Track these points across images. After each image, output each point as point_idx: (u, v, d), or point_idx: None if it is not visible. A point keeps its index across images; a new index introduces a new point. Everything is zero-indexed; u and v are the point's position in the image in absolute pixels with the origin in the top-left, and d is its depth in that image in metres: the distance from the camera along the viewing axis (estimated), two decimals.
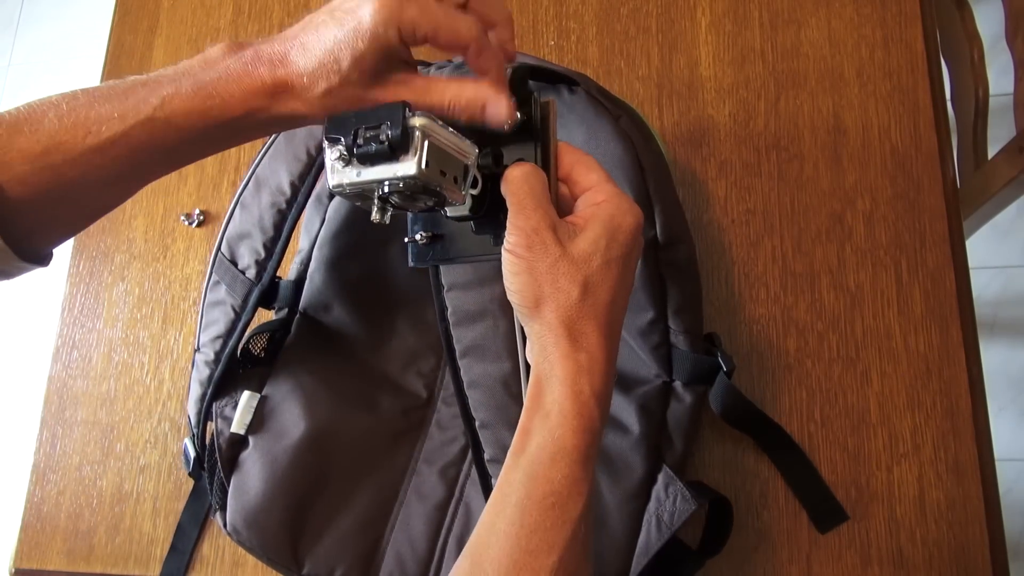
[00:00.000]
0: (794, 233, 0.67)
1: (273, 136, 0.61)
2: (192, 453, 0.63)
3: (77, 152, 0.40)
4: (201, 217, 0.80)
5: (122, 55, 0.89)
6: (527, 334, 0.42)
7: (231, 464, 0.60)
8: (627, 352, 0.56)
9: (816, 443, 0.62)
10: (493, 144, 0.44)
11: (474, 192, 0.43)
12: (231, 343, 0.59)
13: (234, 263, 0.60)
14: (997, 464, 0.60)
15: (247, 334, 0.62)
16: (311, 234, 0.64)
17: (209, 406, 0.60)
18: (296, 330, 0.64)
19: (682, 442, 0.56)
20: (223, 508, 0.60)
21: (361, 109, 0.41)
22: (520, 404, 0.48)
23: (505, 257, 0.41)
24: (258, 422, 0.60)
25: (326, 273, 0.64)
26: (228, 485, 0.60)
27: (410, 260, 0.47)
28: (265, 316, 0.65)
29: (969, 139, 0.91)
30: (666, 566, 0.54)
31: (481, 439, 0.52)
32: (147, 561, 0.70)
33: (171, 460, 0.73)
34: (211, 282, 0.61)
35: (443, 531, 0.58)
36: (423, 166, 0.38)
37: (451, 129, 0.40)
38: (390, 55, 0.41)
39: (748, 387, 0.63)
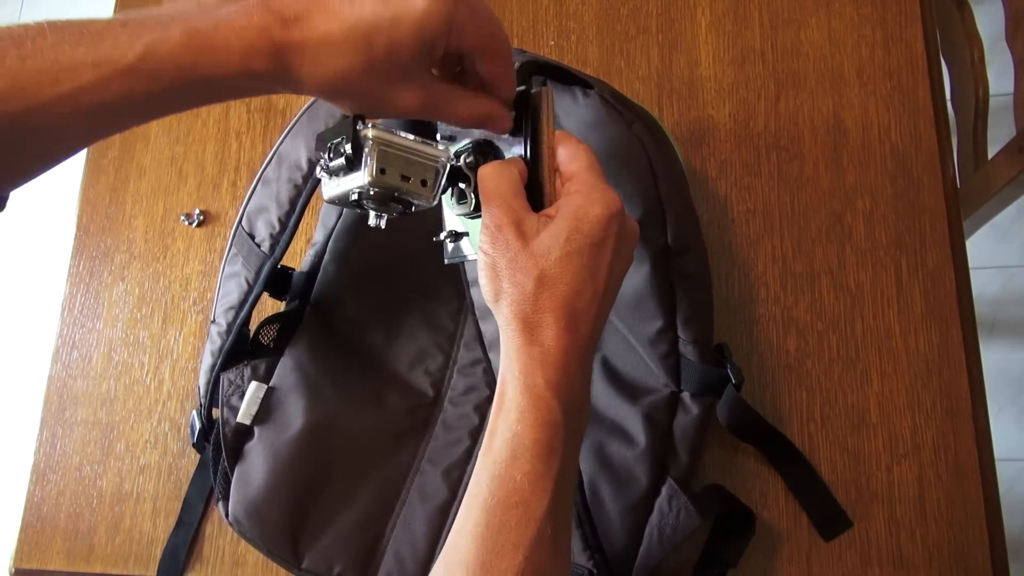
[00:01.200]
0: (794, 233, 0.67)
1: (298, 114, 0.61)
2: (198, 425, 0.63)
3: (41, 100, 0.34)
4: (201, 217, 0.80)
5: None
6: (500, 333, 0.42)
7: (236, 454, 0.60)
8: (635, 360, 0.56)
9: (816, 443, 0.62)
10: (493, 139, 0.45)
11: (469, 188, 0.44)
12: (243, 314, 0.60)
13: (251, 236, 0.61)
14: (997, 464, 0.60)
15: (257, 324, 0.62)
16: (327, 227, 0.65)
17: (218, 376, 0.61)
18: (306, 322, 0.64)
19: (688, 454, 0.56)
20: (226, 498, 0.60)
21: (334, 125, 0.42)
22: None
23: (478, 253, 0.41)
24: (264, 413, 0.60)
25: (340, 266, 0.64)
26: (232, 475, 0.60)
27: (444, 258, 0.49)
28: (276, 307, 0.65)
29: (969, 139, 0.91)
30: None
31: None
32: (147, 561, 0.70)
33: (171, 460, 0.73)
34: (230, 255, 0.62)
35: (444, 533, 0.58)
36: (374, 174, 0.40)
37: (413, 137, 0.41)
38: (427, 53, 0.37)
39: (748, 387, 0.63)
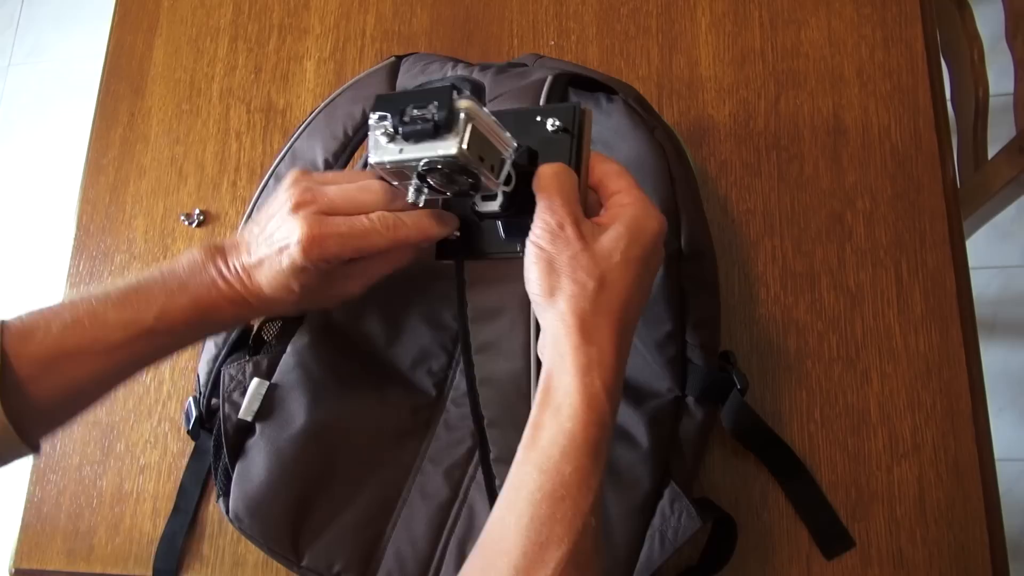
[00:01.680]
0: (794, 233, 0.67)
1: (313, 112, 0.62)
2: (194, 413, 0.64)
3: (83, 357, 0.45)
4: (201, 217, 0.80)
5: (122, 55, 0.89)
6: (541, 325, 0.42)
7: (237, 451, 0.60)
8: (641, 363, 0.56)
9: (816, 443, 0.62)
10: (530, 144, 0.45)
11: (506, 189, 0.44)
12: None
13: None
14: (997, 464, 0.60)
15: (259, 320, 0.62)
16: None
17: (219, 368, 0.61)
18: (309, 318, 0.64)
19: (691, 458, 0.56)
20: (226, 495, 0.60)
21: (409, 89, 0.42)
22: (528, 404, 0.48)
23: (528, 248, 0.42)
24: (266, 410, 0.60)
25: None
26: (232, 472, 0.60)
27: (435, 254, 0.48)
28: None
29: (969, 139, 0.91)
30: None
31: (488, 438, 0.52)
32: (147, 561, 0.70)
33: (171, 460, 0.73)
34: None
35: (445, 532, 0.58)
36: (464, 146, 0.39)
37: (495, 119, 0.41)
38: (328, 271, 0.47)
39: (749, 388, 0.63)
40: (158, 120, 0.85)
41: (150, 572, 0.70)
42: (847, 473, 0.61)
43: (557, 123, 0.45)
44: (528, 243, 0.42)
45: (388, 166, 0.42)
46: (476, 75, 0.56)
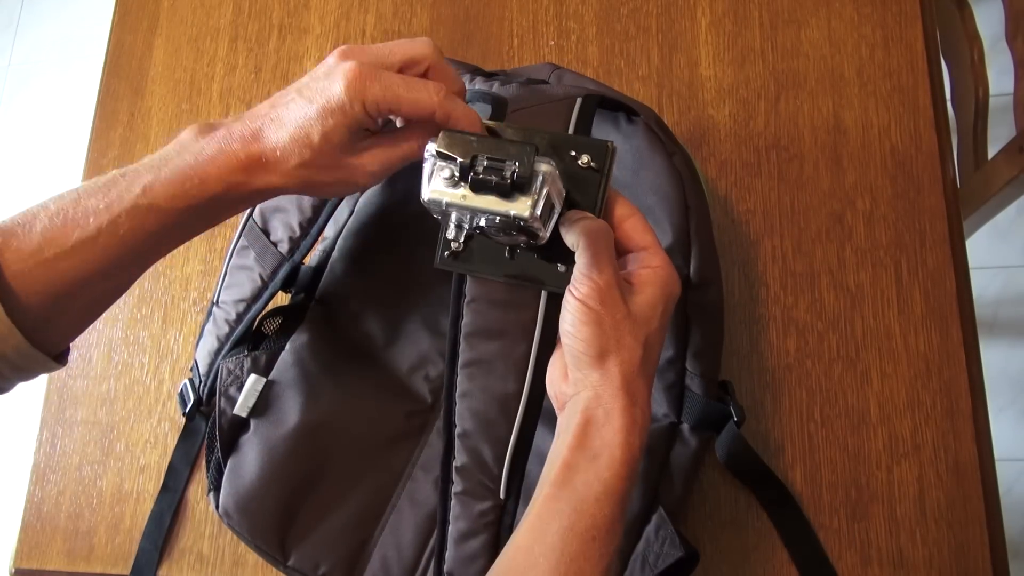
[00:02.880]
0: (794, 233, 0.67)
1: None
2: (191, 396, 0.64)
3: (68, 245, 0.42)
4: None
5: (122, 55, 0.89)
6: (580, 379, 0.43)
7: (230, 446, 0.60)
8: None
9: (816, 443, 0.62)
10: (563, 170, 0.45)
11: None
12: (255, 308, 0.61)
13: (265, 232, 0.61)
14: (997, 464, 0.60)
15: (262, 315, 0.63)
16: (338, 224, 0.65)
17: (219, 363, 0.62)
18: (310, 317, 0.64)
19: (681, 486, 0.56)
20: (217, 489, 0.60)
21: (483, 135, 0.42)
22: (509, 425, 0.50)
23: (575, 306, 0.42)
24: (262, 406, 0.60)
25: (348, 265, 0.64)
26: (224, 466, 0.60)
27: (436, 259, 0.48)
28: (281, 300, 0.65)
29: (969, 139, 0.91)
30: None
31: (456, 446, 0.52)
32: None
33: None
34: (239, 245, 0.63)
35: (432, 541, 0.58)
36: (536, 211, 0.39)
37: (560, 178, 0.41)
38: (357, 127, 0.44)
39: (748, 388, 0.63)
40: (158, 120, 0.85)
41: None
42: (847, 473, 0.61)
43: (590, 162, 0.44)
44: (575, 300, 0.42)
45: (445, 208, 0.42)
46: (497, 89, 0.56)
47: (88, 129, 0.86)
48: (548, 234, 0.43)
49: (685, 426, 0.56)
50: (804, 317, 0.64)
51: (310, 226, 0.60)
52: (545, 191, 0.40)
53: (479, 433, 0.51)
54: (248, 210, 0.62)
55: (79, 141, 0.88)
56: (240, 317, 0.62)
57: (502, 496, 0.51)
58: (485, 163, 0.39)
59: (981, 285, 1.40)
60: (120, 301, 0.79)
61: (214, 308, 0.63)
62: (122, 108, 0.86)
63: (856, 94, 0.69)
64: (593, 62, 0.76)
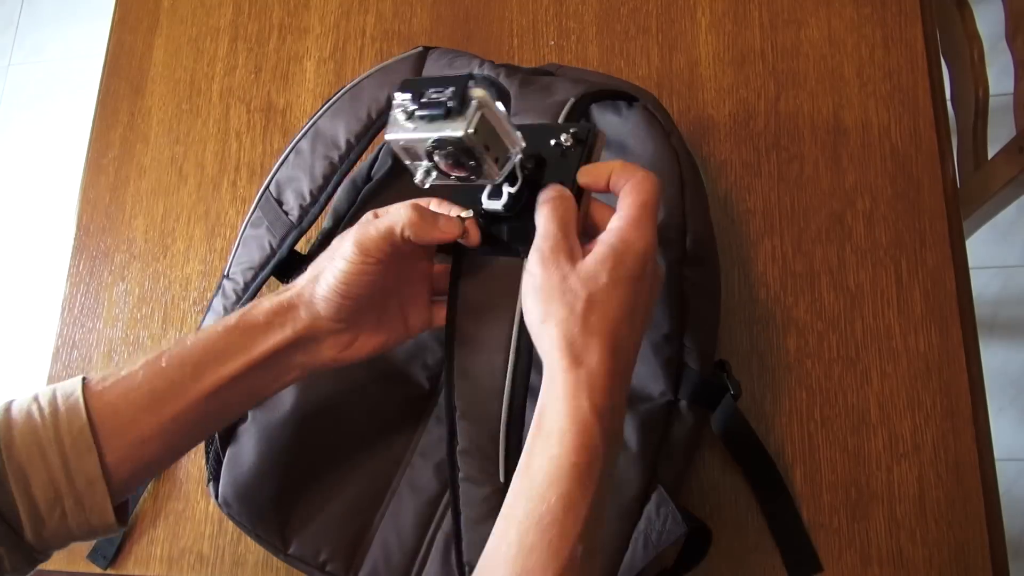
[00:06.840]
0: (794, 233, 0.67)
1: (337, 93, 0.63)
2: None
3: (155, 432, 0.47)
4: None
5: (122, 55, 0.89)
6: (540, 355, 0.43)
7: (228, 435, 0.60)
8: (636, 366, 0.56)
9: (816, 443, 0.62)
10: (542, 152, 0.47)
11: (511, 190, 0.46)
12: (262, 275, 0.61)
13: (279, 203, 0.62)
14: (997, 464, 0.60)
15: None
16: (338, 213, 0.66)
17: None
18: None
19: (680, 463, 0.56)
20: (216, 479, 0.60)
21: (435, 76, 0.44)
22: (499, 400, 0.50)
23: (523, 276, 0.42)
24: None
25: None
26: (223, 456, 0.60)
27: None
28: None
29: (969, 139, 0.91)
30: None
31: (458, 429, 0.52)
32: (147, 561, 0.70)
33: None
34: (253, 217, 0.63)
35: (432, 526, 0.58)
36: (470, 131, 0.41)
37: (507, 117, 0.43)
38: (377, 277, 0.48)
39: (748, 387, 0.63)
40: (158, 120, 0.85)
41: (150, 572, 0.70)
42: (847, 473, 0.61)
43: (570, 139, 0.46)
44: (524, 271, 0.42)
45: (401, 143, 0.44)
46: (503, 79, 0.59)
47: (88, 129, 0.86)
48: (501, 174, 0.44)
49: (683, 403, 0.56)
50: (804, 317, 0.64)
51: (320, 193, 0.61)
52: (479, 114, 0.41)
53: (473, 413, 0.51)
54: (263, 185, 0.63)
55: (79, 141, 0.88)
56: (247, 286, 0.62)
57: (501, 479, 0.50)
58: (431, 95, 0.42)
59: (981, 285, 1.40)
60: (120, 301, 0.80)
61: (224, 281, 0.63)
62: (122, 108, 0.86)
63: (856, 94, 0.69)
64: (593, 62, 0.76)
